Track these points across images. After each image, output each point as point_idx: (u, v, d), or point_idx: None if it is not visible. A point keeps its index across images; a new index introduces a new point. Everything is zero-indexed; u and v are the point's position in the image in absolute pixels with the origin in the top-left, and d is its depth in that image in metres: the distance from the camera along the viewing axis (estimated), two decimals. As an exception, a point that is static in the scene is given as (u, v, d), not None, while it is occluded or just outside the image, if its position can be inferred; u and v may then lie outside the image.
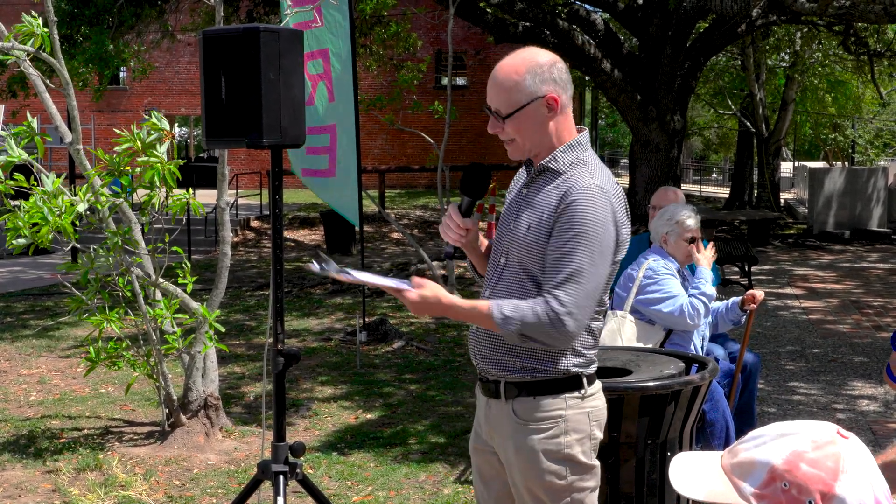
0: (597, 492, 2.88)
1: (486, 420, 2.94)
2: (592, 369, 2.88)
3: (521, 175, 2.99)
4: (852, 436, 1.62)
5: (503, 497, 3.00)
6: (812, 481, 1.55)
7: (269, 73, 3.55)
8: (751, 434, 1.66)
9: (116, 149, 5.37)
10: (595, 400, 2.88)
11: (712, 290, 4.95)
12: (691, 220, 5.11)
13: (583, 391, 2.83)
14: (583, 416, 2.83)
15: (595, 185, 2.73)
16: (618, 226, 2.74)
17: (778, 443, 1.60)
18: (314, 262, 2.81)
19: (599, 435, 2.88)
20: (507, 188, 3.08)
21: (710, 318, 5.36)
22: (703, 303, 4.90)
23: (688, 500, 4.18)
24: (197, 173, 23.28)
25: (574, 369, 2.81)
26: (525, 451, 2.81)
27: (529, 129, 2.80)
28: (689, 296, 4.94)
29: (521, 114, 2.78)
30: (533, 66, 2.77)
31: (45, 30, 5.43)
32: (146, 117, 5.40)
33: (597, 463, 2.87)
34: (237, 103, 3.60)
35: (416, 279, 2.74)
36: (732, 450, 1.67)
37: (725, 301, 5.32)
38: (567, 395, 2.81)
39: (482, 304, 2.74)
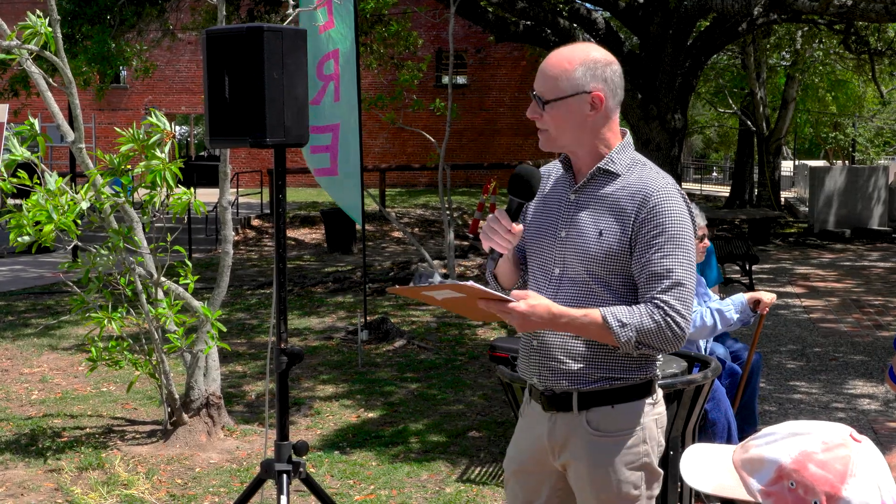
0: None
1: (548, 437, 2.80)
2: (659, 374, 2.85)
3: (555, 178, 2.87)
4: (866, 439, 1.62)
5: None
6: (819, 482, 1.55)
7: (273, 72, 3.55)
8: (764, 431, 1.67)
9: (122, 150, 5.37)
10: (660, 406, 2.83)
11: (732, 318, 4.81)
12: (699, 218, 5.12)
13: (655, 396, 2.80)
14: (653, 423, 2.78)
15: (670, 185, 2.72)
16: (693, 222, 2.75)
17: (788, 442, 1.60)
18: (417, 275, 2.72)
19: (663, 442, 2.84)
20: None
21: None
22: (714, 321, 4.79)
23: (690, 500, 4.19)
24: (198, 172, 23.32)
25: (649, 375, 2.77)
26: (603, 463, 2.72)
27: (566, 123, 2.72)
28: (708, 307, 4.89)
29: (562, 104, 2.69)
30: (588, 59, 2.70)
31: (49, 29, 5.43)
32: (147, 116, 5.40)
33: (661, 470, 2.84)
34: (241, 102, 3.60)
35: (517, 291, 2.63)
36: (744, 445, 1.67)
37: (741, 298, 5.17)
38: (642, 401, 2.76)
39: (593, 312, 2.63)
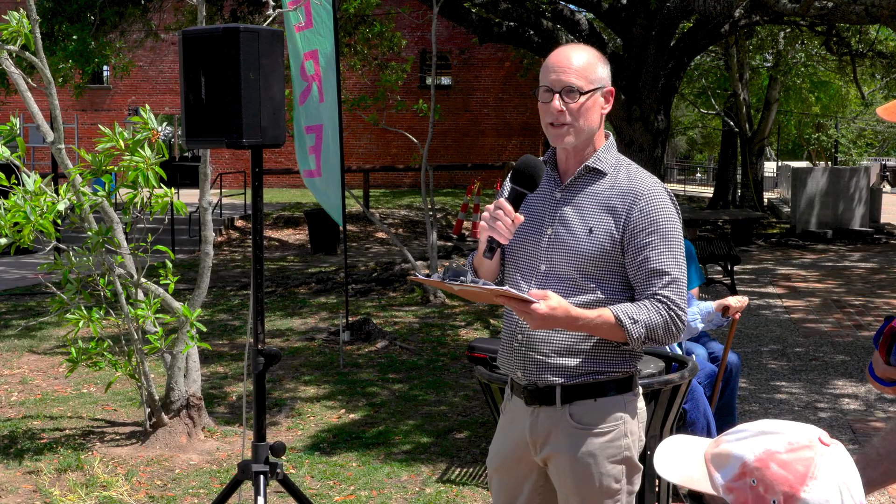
0: None
1: (530, 431, 2.84)
2: (640, 369, 2.93)
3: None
4: (836, 443, 1.63)
5: None
6: (779, 482, 1.56)
7: (249, 72, 3.54)
8: (737, 427, 1.69)
9: (99, 147, 5.35)
10: (641, 401, 2.89)
11: (697, 328, 4.84)
12: None
13: (636, 391, 2.86)
14: (635, 417, 2.84)
15: (658, 184, 2.81)
16: (681, 220, 2.86)
17: (756, 440, 1.62)
18: (447, 271, 2.66)
19: (644, 437, 2.90)
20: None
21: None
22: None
23: (668, 499, 4.20)
24: (181, 172, 23.23)
25: (632, 369, 2.83)
26: (584, 456, 2.77)
27: (590, 115, 2.79)
28: None
29: (592, 95, 2.77)
30: (602, 58, 2.82)
31: (29, 27, 5.40)
32: (129, 115, 5.38)
33: (641, 465, 2.89)
34: (217, 103, 3.59)
35: (536, 292, 2.64)
36: (718, 440, 1.69)
37: (707, 307, 5.16)
38: (624, 396, 2.82)
39: (605, 312, 2.69)
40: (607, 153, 2.85)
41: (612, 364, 2.78)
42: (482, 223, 2.74)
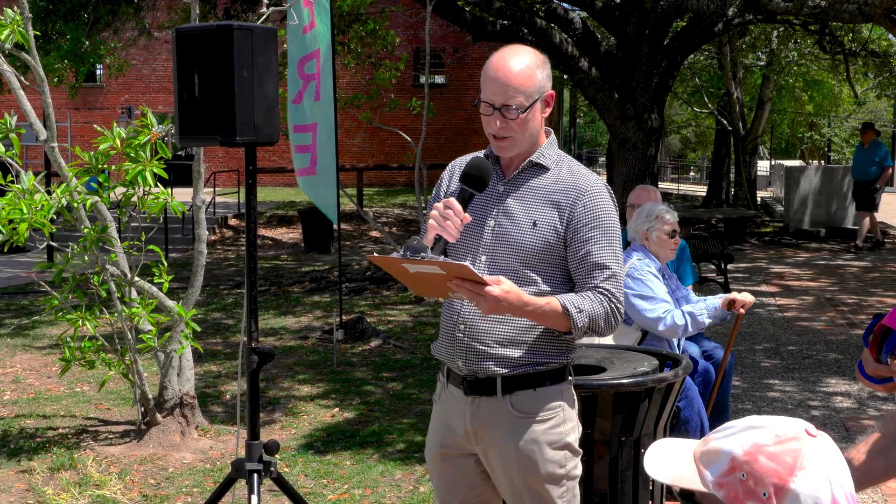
0: None
1: (470, 421, 2.90)
2: (573, 359, 3.02)
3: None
4: (822, 435, 1.64)
5: (470, 501, 3.01)
6: (768, 474, 1.58)
7: (243, 70, 3.54)
8: (725, 424, 1.71)
9: (101, 147, 5.33)
10: (573, 389, 2.99)
11: (704, 322, 4.93)
12: (669, 215, 5.26)
13: (570, 380, 2.95)
14: (572, 404, 2.94)
15: (600, 182, 2.88)
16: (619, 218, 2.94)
17: (744, 435, 1.64)
18: (407, 248, 2.64)
19: (580, 424, 2.99)
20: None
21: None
22: (686, 322, 4.89)
23: (661, 497, 4.21)
24: (174, 171, 23.20)
25: (567, 360, 2.92)
26: (527, 443, 2.85)
27: (530, 125, 2.84)
28: (680, 309, 4.96)
29: (533, 107, 2.82)
30: (541, 61, 2.85)
31: (21, 27, 5.39)
32: (122, 114, 5.37)
33: (581, 450, 2.98)
34: (210, 101, 3.59)
35: (490, 277, 2.68)
36: (706, 438, 1.71)
37: (714, 302, 5.08)
38: (560, 385, 2.90)
39: (553, 300, 2.77)
40: (549, 149, 2.91)
41: (551, 355, 2.87)
42: (431, 221, 2.76)
